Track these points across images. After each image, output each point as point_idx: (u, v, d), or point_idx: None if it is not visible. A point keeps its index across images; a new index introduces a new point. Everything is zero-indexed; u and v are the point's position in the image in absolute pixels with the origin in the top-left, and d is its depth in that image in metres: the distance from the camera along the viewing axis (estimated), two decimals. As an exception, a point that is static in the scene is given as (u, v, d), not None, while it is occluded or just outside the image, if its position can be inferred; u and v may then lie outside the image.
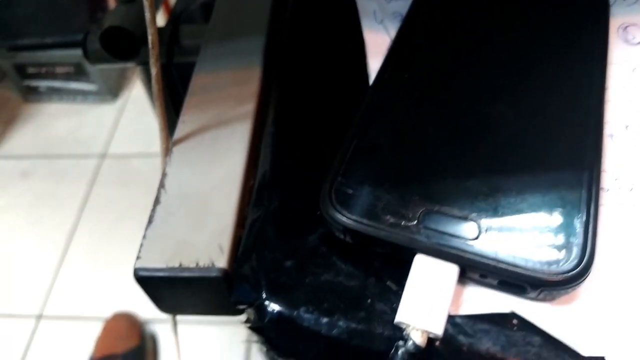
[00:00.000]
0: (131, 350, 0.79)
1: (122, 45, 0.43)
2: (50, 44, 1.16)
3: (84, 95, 1.27)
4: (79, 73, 1.22)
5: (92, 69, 1.18)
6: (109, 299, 0.91)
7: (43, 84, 1.27)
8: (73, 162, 1.16)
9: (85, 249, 1.01)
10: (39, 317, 0.93)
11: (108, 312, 0.88)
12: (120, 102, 1.26)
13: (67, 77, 1.25)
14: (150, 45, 0.28)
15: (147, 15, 0.27)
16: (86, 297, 0.93)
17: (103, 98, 1.27)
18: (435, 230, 0.20)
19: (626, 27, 0.29)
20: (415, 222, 0.20)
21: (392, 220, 0.20)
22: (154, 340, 0.86)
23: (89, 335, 0.86)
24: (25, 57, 1.21)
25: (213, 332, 0.85)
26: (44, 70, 1.25)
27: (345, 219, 0.21)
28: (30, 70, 1.25)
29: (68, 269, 0.98)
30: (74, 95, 1.28)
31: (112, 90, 1.27)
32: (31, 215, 1.07)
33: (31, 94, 1.29)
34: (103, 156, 1.16)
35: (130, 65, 0.46)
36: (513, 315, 0.20)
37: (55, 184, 1.12)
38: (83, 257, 1.00)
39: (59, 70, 1.24)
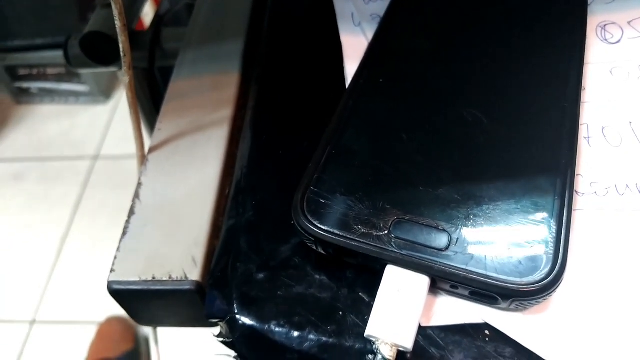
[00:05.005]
0: (125, 354, 0.79)
1: (103, 50, 0.43)
2: (40, 45, 1.15)
3: (76, 96, 1.27)
4: (70, 74, 1.22)
5: (84, 69, 1.18)
6: (102, 302, 0.90)
7: (34, 85, 1.27)
8: (66, 164, 1.16)
9: (79, 252, 1.00)
10: (32, 322, 0.93)
11: (102, 316, 0.87)
12: (112, 102, 1.26)
13: (59, 78, 1.25)
14: (122, 54, 0.27)
15: (117, 23, 0.26)
16: (80, 301, 0.93)
17: (95, 99, 1.26)
18: (406, 241, 0.19)
19: (605, 25, 0.28)
20: (386, 232, 0.20)
21: (363, 230, 0.20)
22: (148, 343, 0.85)
23: (83, 340, 0.86)
24: (15, 58, 1.21)
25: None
26: (35, 71, 1.25)
27: (316, 229, 0.20)
28: (22, 72, 1.25)
29: (61, 273, 0.98)
30: (66, 96, 1.28)
31: (105, 91, 1.26)
32: (24, 219, 1.07)
33: (23, 96, 1.29)
34: (96, 158, 1.16)
35: (113, 69, 0.45)
36: (485, 326, 0.19)
37: (48, 186, 1.12)
38: (76, 261, 0.99)
39: (50, 71, 1.24)
